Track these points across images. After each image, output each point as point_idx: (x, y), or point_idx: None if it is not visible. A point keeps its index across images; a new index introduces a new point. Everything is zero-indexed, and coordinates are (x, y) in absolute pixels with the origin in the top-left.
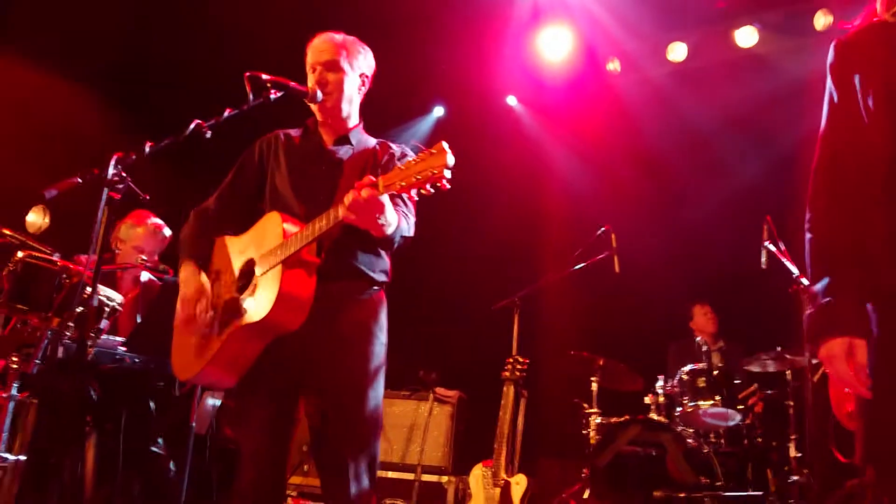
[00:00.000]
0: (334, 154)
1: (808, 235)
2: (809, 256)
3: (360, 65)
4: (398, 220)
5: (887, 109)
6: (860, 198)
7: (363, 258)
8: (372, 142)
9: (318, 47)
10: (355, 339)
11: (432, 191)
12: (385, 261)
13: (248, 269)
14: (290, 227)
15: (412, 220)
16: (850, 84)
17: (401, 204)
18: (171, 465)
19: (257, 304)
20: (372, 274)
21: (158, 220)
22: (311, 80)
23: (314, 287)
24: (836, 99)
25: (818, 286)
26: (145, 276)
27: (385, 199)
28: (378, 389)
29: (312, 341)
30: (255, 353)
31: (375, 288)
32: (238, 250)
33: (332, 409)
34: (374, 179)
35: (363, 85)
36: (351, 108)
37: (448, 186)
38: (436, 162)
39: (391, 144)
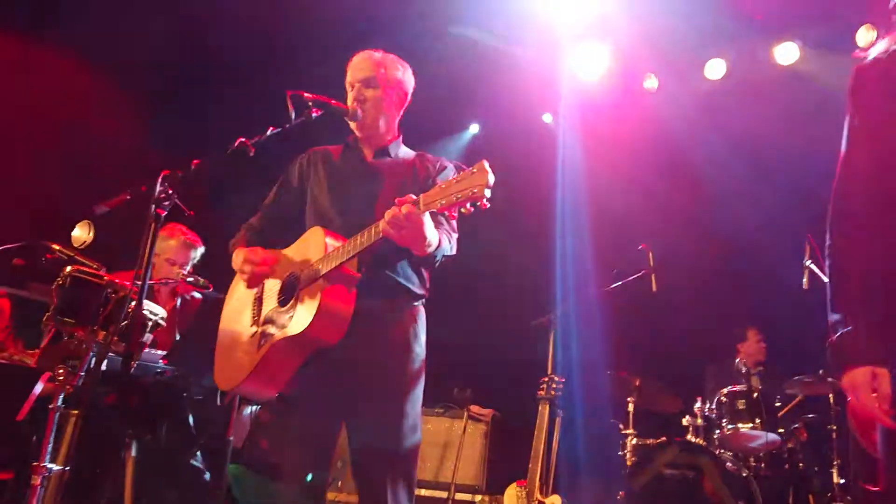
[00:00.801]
0: (374, 167)
1: (827, 262)
2: (829, 283)
3: (399, 81)
4: (439, 239)
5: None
6: (879, 222)
7: (403, 273)
8: (411, 154)
9: (358, 65)
10: (395, 357)
11: (472, 209)
12: (424, 276)
13: (291, 283)
14: (333, 242)
15: (454, 237)
16: (869, 107)
17: (444, 223)
18: (207, 477)
19: (297, 318)
20: (412, 288)
21: (191, 233)
22: (350, 98)
23: (354, 302)
24: (855, 122)
25: (837, 315)
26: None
27: (426, 217)
28: (416, 408)
29: (352, 357)
30: (296, 367)
31: (415, 303)
32: (282, 263)
33: (370, 429)
34: (414, 198)
35: (402, 101)
36: (390, 123)
37: (487, 205)
38: (476, 181)
39: (430, 156)
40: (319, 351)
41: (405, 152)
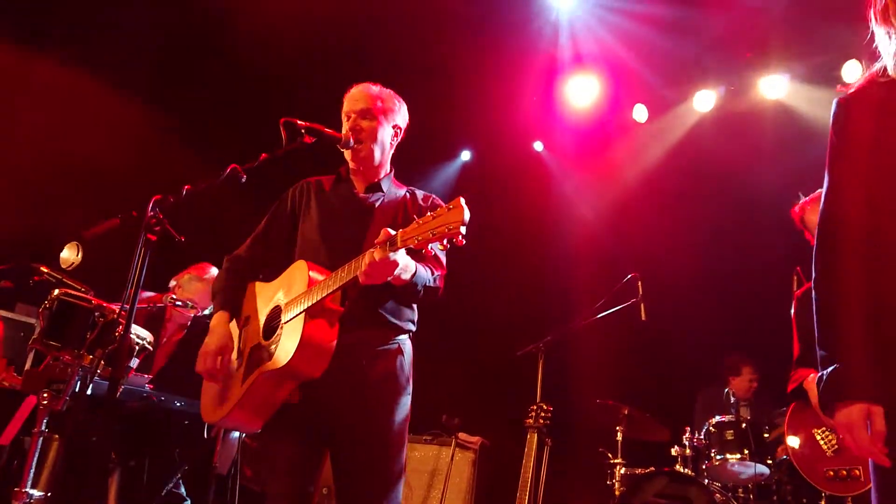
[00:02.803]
0: (365, 201)
1: (814, 295)
2: (816, 319)
3: (395, 116)
4: (416, 267)
5: (881, 161)
6: (863, 253)
7: (389, 306)
8: (402, 191)
9: (354, 96)
10: (381, 390)
11: (448, 246)
12: (412, 310)
13: (275, 316)
14: (316, 276)
15: (438, 273)
16: (852, 137)
17: (426, 258)
18: None
19: (280, 351)
20: (398, 322)
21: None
22: (345, 127)
23: (336, 336)
24: (839, 150)
25: (825, 351)
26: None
27: (401, 254)
28: (402, 440)
29: (338, 389)
30: (281, 399)
31: (402, 337)
32: (267, 297)
33: (356, 458)
34: (391, 233)
35: (396, 136)
36: (383, 156)
37: (463, 242)
38: (452, 218)
39: (421, 193)
40: (303, 384)
41: (396, 188)
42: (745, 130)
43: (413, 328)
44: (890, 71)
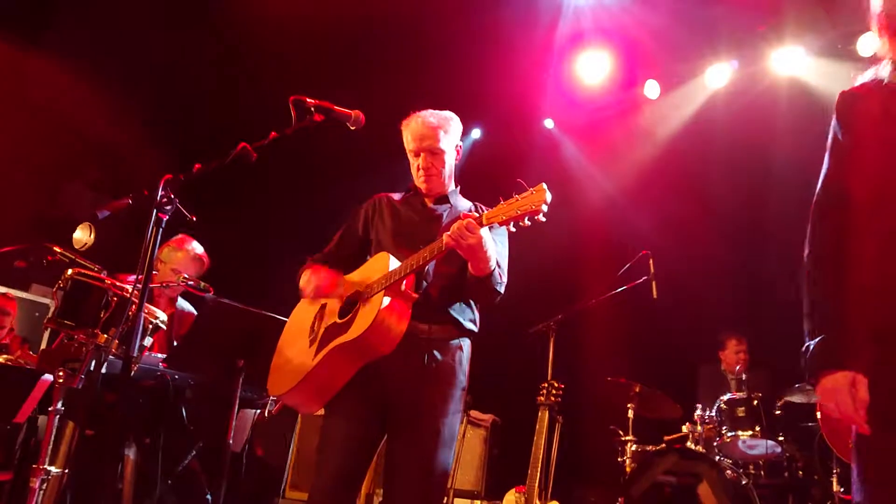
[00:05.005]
0: (434, 212)
1: (805, 268)
2: (805, 290)
3: (454, 137)
4: (496, 263)
5: (878, 153)
6: (853, 235)
7: (456, 307)
8: (468, 204)
9: (419, 132)
10: (440, 380)
11: (529, 224)
12: (475, 312)
13: (353, 299)
14: (396, 263)
15: (504, 280)
16: (852, 127)
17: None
18: (205, 483)
19: (355, 325)
20: (462, 321)
21: (199, 247)
22: (414, 165)
23: (409, 318)
24: (839, 137)
25: (812, 322)
26: (183, 304)
27: (486, 232)
28: (453, 432)
29: (401, 374)
30: (345, 380)
31: (464, 336)
32: (345, 285)
33: (409, 443)
34: (477, 214)
35: (458, 152)
36: (451, 176)
37: (544, 220)
38: (537, 198)
39: (484, 207)
40: (368, 364)
41: (463, 202)
42: (758, 105)
43: (475, 329)
44: (887, 78)
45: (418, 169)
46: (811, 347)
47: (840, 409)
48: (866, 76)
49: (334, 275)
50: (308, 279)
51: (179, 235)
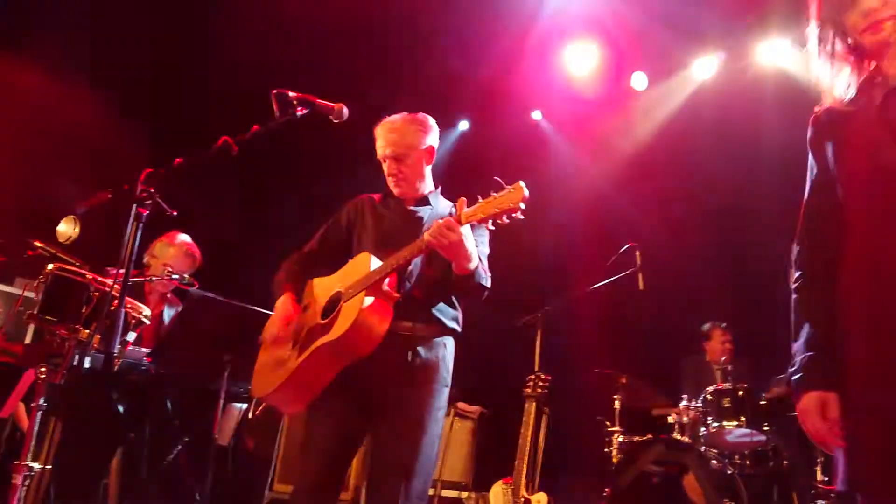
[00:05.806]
0: (415, 213)
1: (793, 296)
2: (793, 315)
3: (424, 140)
4: (478, 262)
5: (850, 174)
6: (833, 264)
7: (439, 306)
8: (448, 204)
9: (386, 138)
10: (423, 378)
11: (508, 221)
12: (457, 310)
13: (335, 300)
14: (377, 263)
15: (489, 275)
16: (824, 155)
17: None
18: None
19: (337, 325)
20: (444, 320)
21: (191, 242)
22: (385, 168)
23: (391, 319)
24: (814, 170)
25: (798, 344)
26: (170, 313)
27: (466, 230)
28: (437, 429)
29: (383, 373)
30: (327, 380)
31: (447, 334)
32: (327, 287)
33: (391, 442)
34: (456, 213)
35: (431, 157)
36: (423, 179)
37: (523, 217)
38: (515, 196)
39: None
40: (351, 366)
41: (444, 203)
42: (746, 97)
43: (458, 328)
44: (846, 97)
45: (388, 175)
46: (794, 367)
47: (811, 429)
48: (834, 93)
49: (292, 310)
50: (271, 320)
51: (172, 231)
